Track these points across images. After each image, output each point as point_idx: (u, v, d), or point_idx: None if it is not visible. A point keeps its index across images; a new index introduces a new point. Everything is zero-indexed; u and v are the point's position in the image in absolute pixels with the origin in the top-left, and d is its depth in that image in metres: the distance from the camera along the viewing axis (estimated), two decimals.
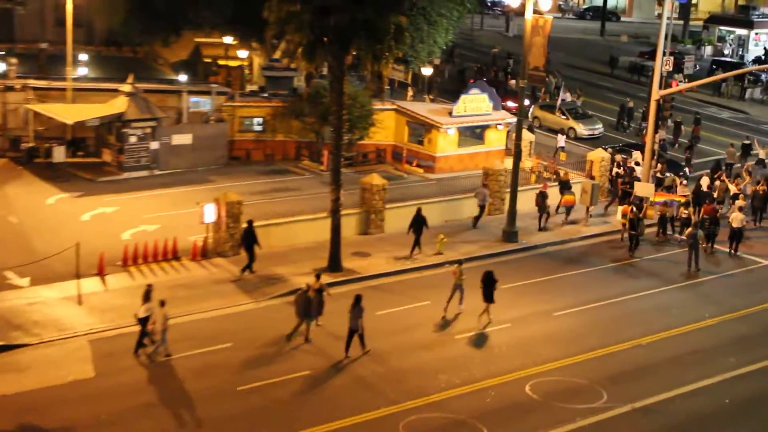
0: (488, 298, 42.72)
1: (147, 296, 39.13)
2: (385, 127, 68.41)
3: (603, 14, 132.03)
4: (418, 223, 50.58)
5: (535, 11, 55.79)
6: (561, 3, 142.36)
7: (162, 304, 38.39)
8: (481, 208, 56.41)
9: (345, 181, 49.50)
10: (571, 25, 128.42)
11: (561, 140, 72.87)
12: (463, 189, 59.60)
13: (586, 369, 38.84)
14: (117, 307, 42.84)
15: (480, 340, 41.37)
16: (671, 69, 78.64)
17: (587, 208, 57.71)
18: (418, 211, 50.92)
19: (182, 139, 64.46)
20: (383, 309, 41.99)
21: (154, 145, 62.96)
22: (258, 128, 68.58)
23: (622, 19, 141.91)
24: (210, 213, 48.79)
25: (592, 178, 60.64)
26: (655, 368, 39.53)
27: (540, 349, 40.53)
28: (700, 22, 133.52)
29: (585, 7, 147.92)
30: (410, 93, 75.76)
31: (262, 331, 41.40)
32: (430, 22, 72.25)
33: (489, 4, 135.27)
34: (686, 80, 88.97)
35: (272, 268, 47.88)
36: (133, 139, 62.19)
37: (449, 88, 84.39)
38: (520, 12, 60.27)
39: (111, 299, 43.76)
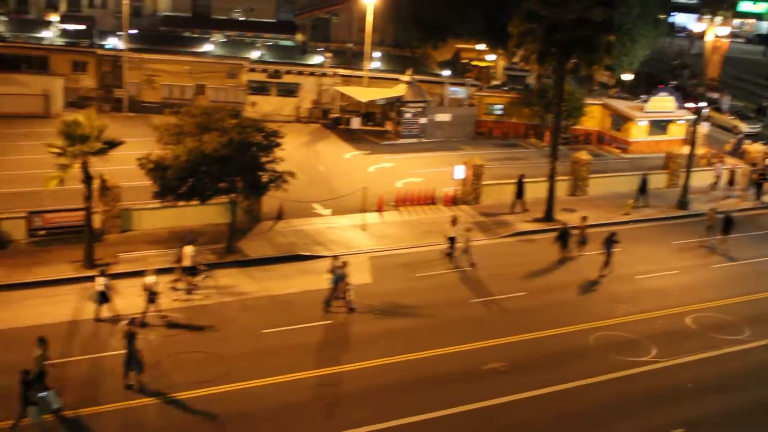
0: (726, 233, 44.38)
1: (454, 222, 40.65)
2: (593, 117, 66.89)
3: (767, 40, 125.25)
4: (643, 185, 51.03)
5: (715, 36, 53.56)
6: (735, 30, 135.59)
7: (468, 229, 40.14)
8: (717, 178, 55.89)
9: (560, 155, 48.84)
10: (741, 47, 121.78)
11: (707, 126, 69.88)
12: (649, 167, 57.53)
13: (735, 309, 37.32)
14: (390, 234, 43.55)
15: (654, 281, 40.12)
16: None
17: (745, 188, 55.46)
18: (644, 175, 51.62)
19: (443, 117, 64.63)
20: (584, 252, 41.34)
21: (423, 120, 63.29)
22: (498, 112, 68.01)
23: None
24: (459, 172, 48.95)
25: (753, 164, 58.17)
26: None
27: (699, 292, 39.11)
28: None
29: (754, 33, 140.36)
30: (595, 87, 74.23)
31: (504, 259, 41.67)
32: (633, 40, 70.19)
33: (678, 29, 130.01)
34: None
35: (502, 216, 47.63)
36: (408, 115, 62.77)
37: (625, 88, 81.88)
38: (701, 36, 57.96)
39: (385, 229, 44.39)
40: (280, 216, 44.08)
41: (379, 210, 46.60)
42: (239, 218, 40.91)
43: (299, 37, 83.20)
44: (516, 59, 58.84)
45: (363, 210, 45.82)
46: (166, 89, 64.97)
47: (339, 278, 34.19)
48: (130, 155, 38.77)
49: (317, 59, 71.49)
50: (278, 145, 39.02)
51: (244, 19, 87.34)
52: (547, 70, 53.97)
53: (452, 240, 40.66)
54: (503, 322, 34.69)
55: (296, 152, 53.26)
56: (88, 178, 35.93)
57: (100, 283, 32.16)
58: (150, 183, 37.55)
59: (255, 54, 70.71)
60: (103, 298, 32.13)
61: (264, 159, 38.27)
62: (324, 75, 66.93)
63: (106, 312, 32.25)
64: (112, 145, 36.63)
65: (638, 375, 31.11)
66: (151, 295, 32.33)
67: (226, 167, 36.83)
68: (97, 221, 39.23)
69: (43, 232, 39.46)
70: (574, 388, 29.90)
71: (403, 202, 47.96)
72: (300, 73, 67.00)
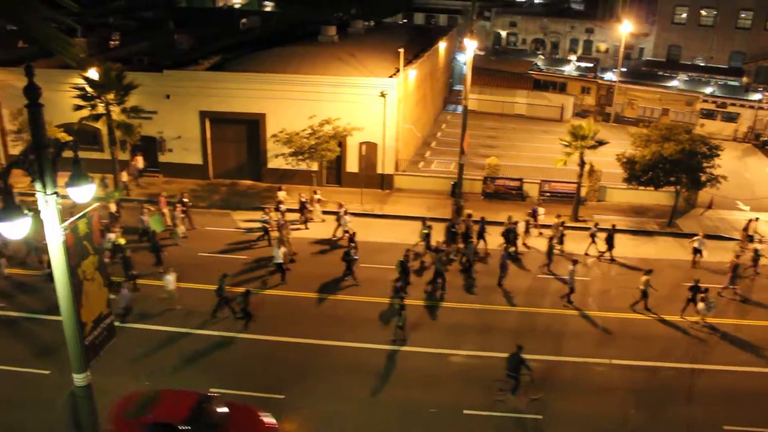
0: None
1: None
2: None
3: None
4: None
5: None
6: None
7: None
8: None
9: None
10: None
11: None
12: None
13: None
14: None
15: None
16: None
17: None
18: None
19: None
20: None
21: None
22: None
23: None
24: None
25: None
26: None
27: None
28: None
29: None
30: None
31: None
32: None
33: None
34: None
35: None
36: None
37: None
38: None
39: None
40: (710, 206, 39.78)
41: None
42: (679, 203, 37.81)
43: (745, 79, 73.19)
44: None
45: None
46: (641, 109, 61.52)
47: None
48: (611, 152, 37.74)
49: (756, 96, 62.41)
50: (717, 155, 35.08)
51: (703, 64, 79.02)
52: None
53: None
54: None
55: (729, 162, 47.09)
56: (582, 163, 35.67)
57: (697, 239, 32.01)
58: (621, 171, 36.11)
59: (708, 89, 63.80)
60: (697, 252, 31.83)
61: (705, 164, 34.68)
62: (761, 108, 58.30)
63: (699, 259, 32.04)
64: (601, 143, 35.88)
65: None
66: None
67: (677, 167, 34.12)
68: (583, 192, 38.76)
69: (548, 194, 40.09)
70: None
71: None
72: (741, 105, 58.99)
